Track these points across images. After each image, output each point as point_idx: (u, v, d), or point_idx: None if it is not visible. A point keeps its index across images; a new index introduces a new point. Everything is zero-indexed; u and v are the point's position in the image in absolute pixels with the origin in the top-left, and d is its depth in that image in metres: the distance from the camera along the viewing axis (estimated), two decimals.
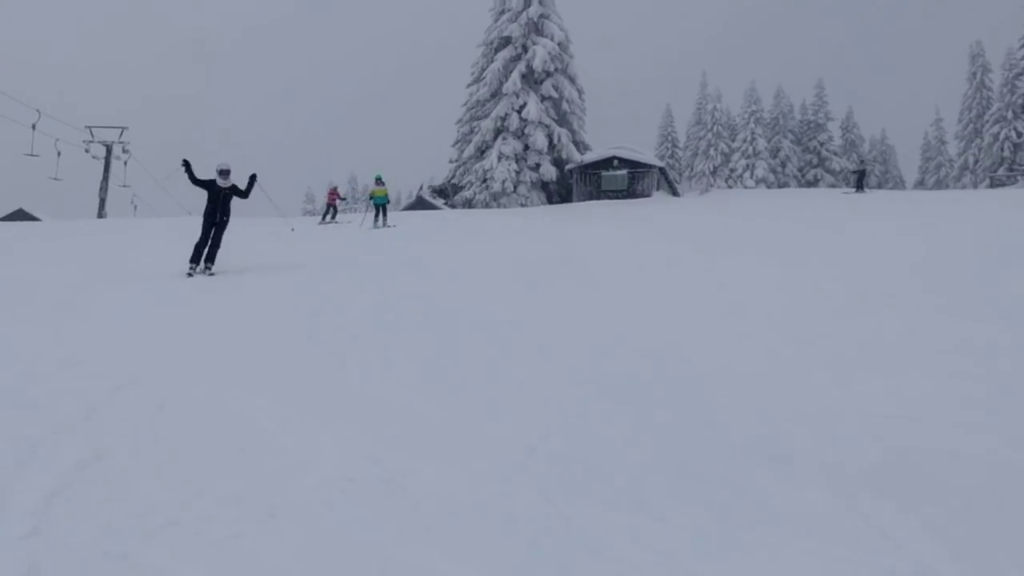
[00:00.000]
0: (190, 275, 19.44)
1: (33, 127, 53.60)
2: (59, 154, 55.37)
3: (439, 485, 6.75)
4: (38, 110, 53.69)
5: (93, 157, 62.03)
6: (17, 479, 6.47)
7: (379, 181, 41.80)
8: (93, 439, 7.58)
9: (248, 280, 18.71)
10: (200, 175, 20.53)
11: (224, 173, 20.58)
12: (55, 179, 56.36)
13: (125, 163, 63.44)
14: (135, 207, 67.70)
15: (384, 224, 39.93)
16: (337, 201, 49.18)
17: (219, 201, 20.61)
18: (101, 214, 60.88)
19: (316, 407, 9.00)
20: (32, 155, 55.04)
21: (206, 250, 20.37)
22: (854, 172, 63.28)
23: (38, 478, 6.51)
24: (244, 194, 21.03)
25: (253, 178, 21.60)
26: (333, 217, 47.68)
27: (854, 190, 57.14)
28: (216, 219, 20.57)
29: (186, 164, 20.43)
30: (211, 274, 19.93)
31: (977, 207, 31.49)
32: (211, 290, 17.13)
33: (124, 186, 64.38)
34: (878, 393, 9.41)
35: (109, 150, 62.44)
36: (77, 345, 11.62)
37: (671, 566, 5.43)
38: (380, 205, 41.06)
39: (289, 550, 5.60)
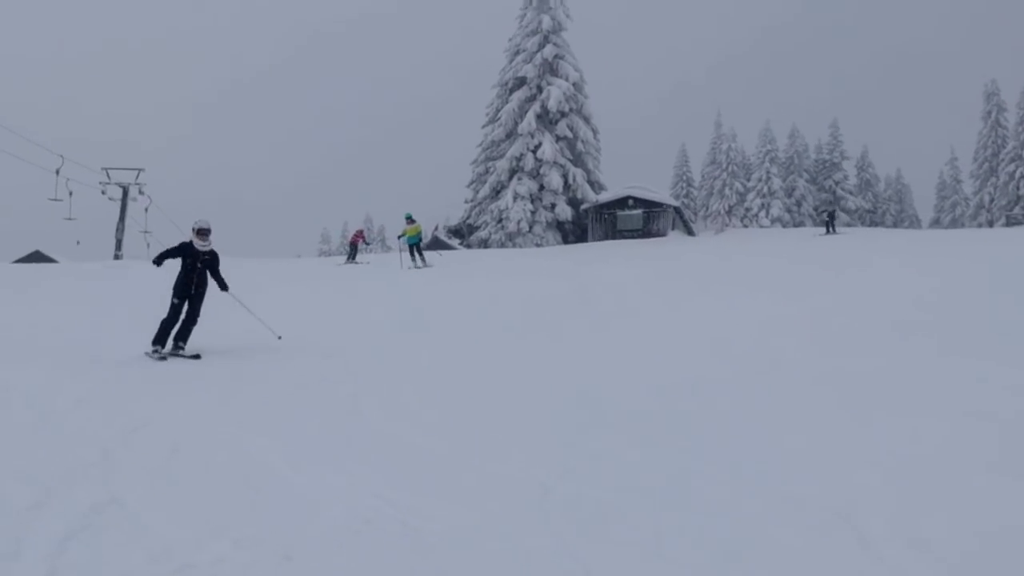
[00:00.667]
0: (161, 358, 15.14)
1: (57, 172, 54.22)
2: (71, 194, 55.60)
3: (453, 528, 6.74)
4: (62, 155, 54.22)
5: (109, 199, 62.32)
6: (32, 521, 6.47)
7: (410, 220, 40.46)
8: (108, 481, 7.59)
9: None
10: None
11: (203, 233, 16.48)
12: (69, 219, 56.66)
13: (146, 209, 63.90)
14: (148, 245, 67.99)
15: (422, 263, 39.37)
16: (360, 243, 49.29)
17: (195, 268, 16.26)
18: (117, 255, 61.09)
19: (330, 447, 9.00)
20: (56, 199, 55.58)
21: (177, 328, 15.95)
22: (823, 212, 64.62)
23: (53, 522, 6.52)
24: (220, 281, 16.59)
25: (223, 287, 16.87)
26: (354, 258, 47.42)
27: (824, 231, 57.43)
28: (191, 291, 16.25)
29: (157, 261, 16.52)
30: (184, 355, 15.58)
31: (986, 243, 31.42)
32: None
33: (145, 232, 64.68)
34: (893, 434, 9.36)
35: (125, 192, 62.71)
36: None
37: None
38: (413, 244, 39.99)
39: None
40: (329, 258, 55.52)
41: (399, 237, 41.04)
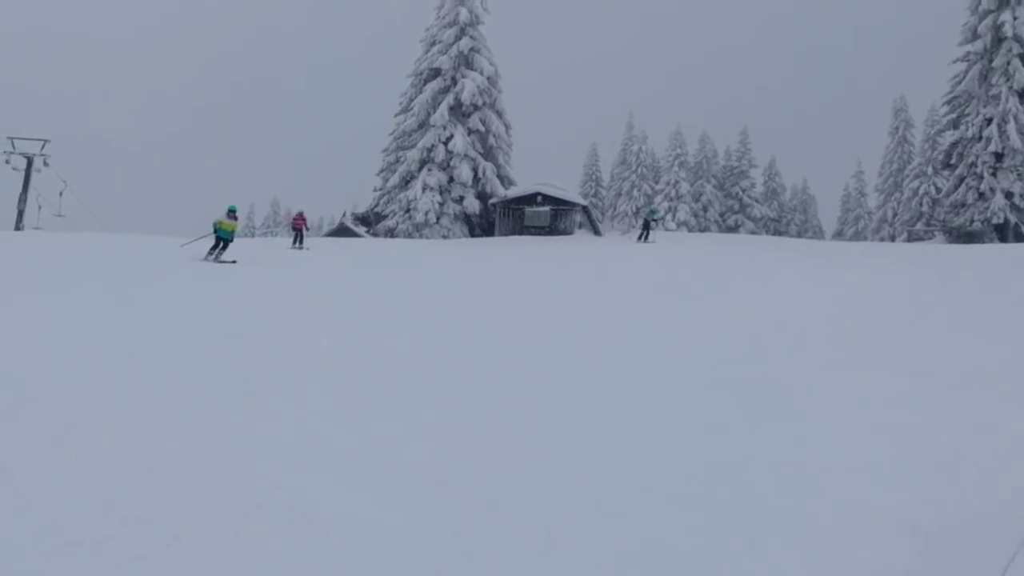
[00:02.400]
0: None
1: (6, 162, 54.72)
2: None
3: (345, 515, 6.74)
4: (10, 138, 54.13)
5: (13, 169, 61.16)
6: None
7: (232, 215, 35.73)
8: None
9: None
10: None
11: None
12: None
13: (61, 193, 62.89)
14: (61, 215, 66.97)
15: (219, 258, 33.94)
16: (304, 227, 47.06)
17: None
18: (18, 226, 59.98)
19: (230, 434, 8.95)
20: None
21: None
22: (643, 218, 59.81)
23: None
24: None
25: None
26: (300, 243, 45.52)
27: (638, 239, 54.28)
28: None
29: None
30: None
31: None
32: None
33: (59, 215, 63.58)
34: (790, 441, 9.48)
35: (30, 162, 61.57)
36: None
37: None
38: (225, 239, 34.82)
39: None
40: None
41: (214, 228, 35.06)
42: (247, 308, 17.41)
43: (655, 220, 59.89)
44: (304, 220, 47.50)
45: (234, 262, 32.19)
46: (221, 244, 34.58)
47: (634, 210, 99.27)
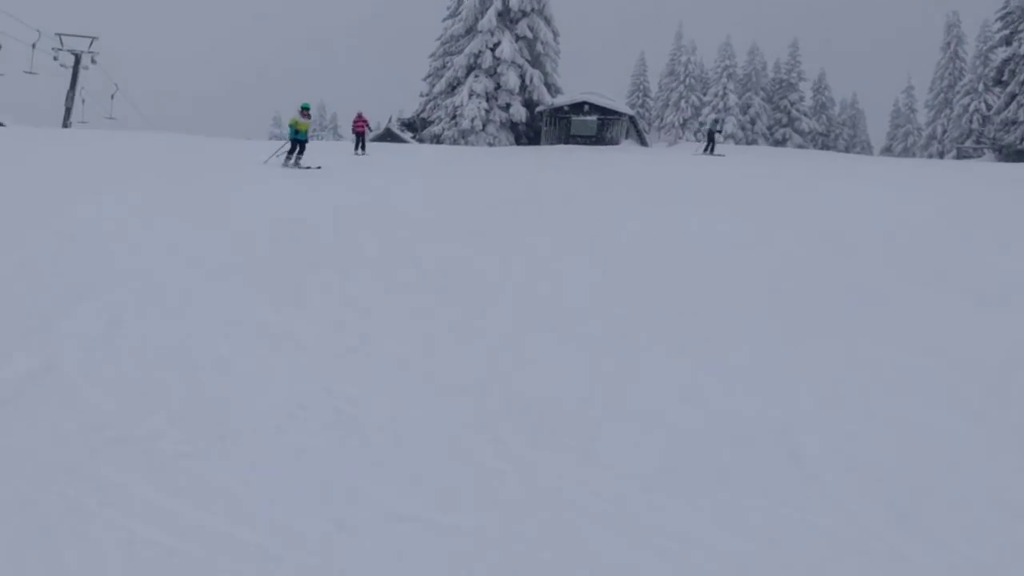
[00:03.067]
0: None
1: (33, 46, 54.89)
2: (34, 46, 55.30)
3: (390, 418, 6.77)
4: (38, 30, 54.44)
5: (61, 65, 61.20)
6: None
7: (305, 112, 32.78)
8: (45, 351, 7.57)
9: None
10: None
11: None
12: (29, 72, 56.37)
13: (112, 96, 63.22)
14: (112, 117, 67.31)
15: (298, 162, 31.55)
16: (366, 130, 44.18)
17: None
18: (66, 124, 60.15)
19: (271, 333, 8.99)
20: (31, 72, 56.03)
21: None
22: (708, 130, 55.72)
23: None
24: None
25: None
26: (363, 147, 42.36)
27: (704, 151, 50.87)
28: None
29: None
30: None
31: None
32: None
33: (110, 118, 63.67)
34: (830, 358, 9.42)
35: (78, 59, 61.59)
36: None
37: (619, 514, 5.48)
38: (301, 141, 32.05)
39: (238, 472, 5.62)
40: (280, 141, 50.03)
41: (290, 127, 32.43)
42: (302, 210, 17.43)
43: (719, 132, 57.02)
44: (366, 122, 44.52)
45: (319, 167, 30.14)
46: (299, 148, 31.98)
47: (680, 121, 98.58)
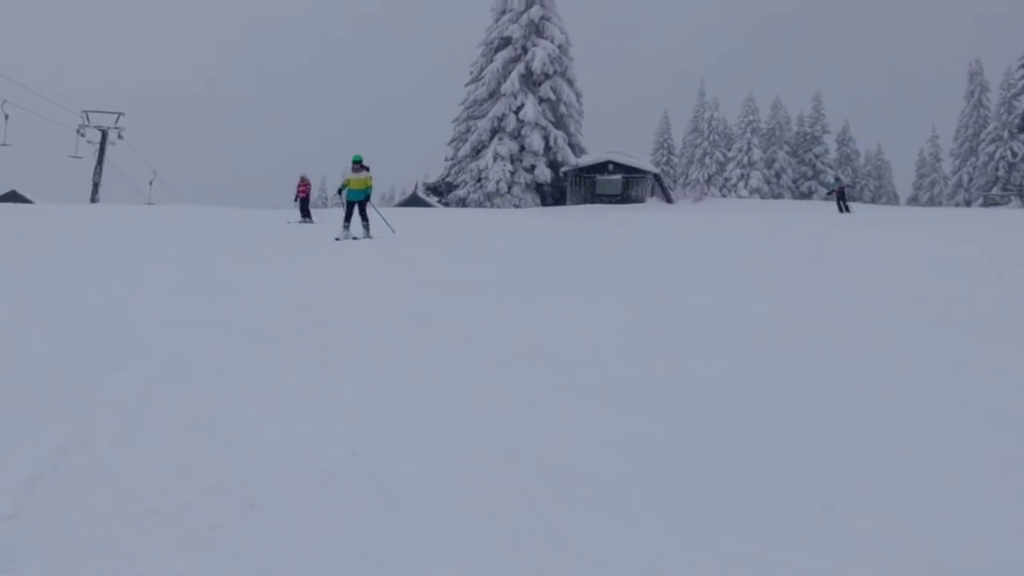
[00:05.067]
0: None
1: (79, 132, 56.98)
2: (7, 117, 55.68)
3: (421, 483, 6.76)
4: (85, 112, 56.02)
5: (88, 142, 62.00)
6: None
7: (359, 165, 28.08)
8: (76, 424, 7.59)
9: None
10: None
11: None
12: (3, 144, 56.85)
13: (151, 183, 64.83)
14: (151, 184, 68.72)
15: (364, 232, 27.56)
16: (307, 194, 40.45)
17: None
18: (94, 199, 60.79)
19: (300, 400, 9.01)
20: (76, 157, 58.08)
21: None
22: (834, 185, 53.31)
23: (19, 462, 6.52)
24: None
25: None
26: (307, 215, 39.27)
27: (840, 211, 48.14)
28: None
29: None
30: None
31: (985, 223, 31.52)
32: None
33: (149, 204, 64.55)
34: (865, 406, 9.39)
35: (104, 135, 62.37)
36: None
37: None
38: (356, 202, 27.85)
39: (270, 542, 5.61)
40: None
41: (340, 190, 29.00)
42: (320, 280, 17.50)
43: (849, 187, 55.14)
44: (309, 186, 41.09)
45: (393, 231, 27.43)
46: (356, 208, 27.62)
47: (706, 177, 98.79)
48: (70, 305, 13.53)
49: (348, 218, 27.29)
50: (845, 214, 45.97)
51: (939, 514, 6.43)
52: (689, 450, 7.85)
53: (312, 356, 11.04)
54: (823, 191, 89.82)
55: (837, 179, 56.29)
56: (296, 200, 40.06)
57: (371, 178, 28.16)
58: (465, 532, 5.91)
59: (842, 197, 49.72)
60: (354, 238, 26.86)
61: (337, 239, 26.38)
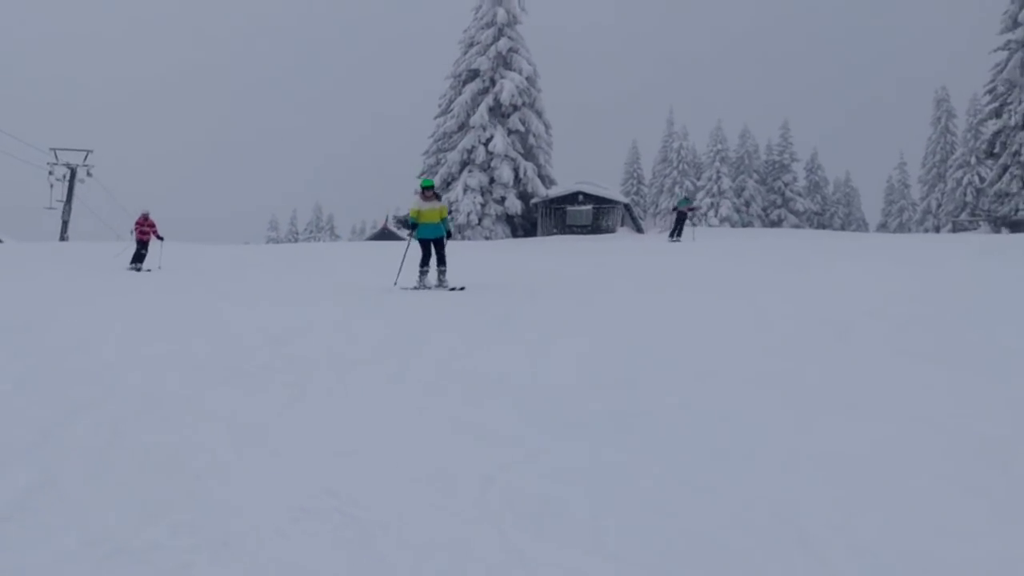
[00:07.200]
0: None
1: (50, 173, 57.44)
2: None
3: (393, 519, 6.72)
4: (53, 149, 56.35)
5: (57, 180, 61.88)
6: None
7: (428, 191, 22.45)
8: (45, 464, 7.54)
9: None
10: None
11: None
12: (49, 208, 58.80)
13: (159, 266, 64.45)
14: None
15: (438, 280, 22.27)
16: (154, 235, 32.69)
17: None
18: (63, 237, 60.61)
19: (270, 435, 8.96)
20: (50, 208, 58.62)
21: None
22: (675, 210, 49.34)
23: None
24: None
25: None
26: (140, 261, 31.56)
27: (670, 236, 46.86)
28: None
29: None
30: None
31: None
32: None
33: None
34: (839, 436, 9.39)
35: (73, 173, 62.22)
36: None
37: None
38: (430, 240, 22.38)
39: None
40: (275, 245, 47.84)
41: (410, 227, 22.53)
42: (288, 316, 17.45)
43: (692, 210, 50.43)
44: (153, 226, 32.82)
45: (462, 288, 21.63)
46: (431, 249, 22.37)
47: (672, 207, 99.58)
48: (36, 346, 13.45)
49: (425, 262, 22.22)
50: (673, 241, 44.23)
51: (911, 540, 6.42)
52: (663, 482, 7.82)
53: (283, 393, 10.99)
54: (792, 219, 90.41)
55: (686, 199, 51.55)
56: (136, 242, 32.34)
57: (446, 208, 22.77)
58: (438, 568, 5.88)
59: (680, 221, 46.92)
60: (424, 287, 22.14)
61: (412, 287, 22.12)
